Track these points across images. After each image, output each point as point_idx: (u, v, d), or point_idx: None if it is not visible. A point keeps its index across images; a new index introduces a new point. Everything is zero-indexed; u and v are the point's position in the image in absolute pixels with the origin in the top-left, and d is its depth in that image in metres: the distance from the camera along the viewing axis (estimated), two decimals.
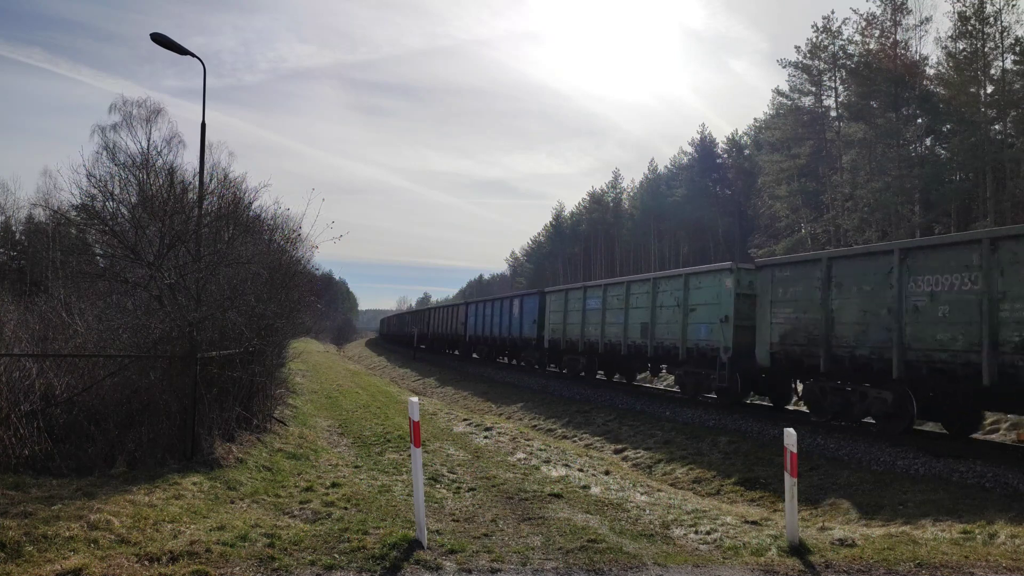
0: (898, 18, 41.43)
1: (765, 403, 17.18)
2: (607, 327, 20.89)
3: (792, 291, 13.49)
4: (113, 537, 5.50)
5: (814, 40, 46.02)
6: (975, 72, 36.65)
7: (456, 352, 43.35)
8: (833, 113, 46.62)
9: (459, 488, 8.60)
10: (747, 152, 65.22)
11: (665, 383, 24.32)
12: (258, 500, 7.35)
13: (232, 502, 7.12)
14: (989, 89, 36.64)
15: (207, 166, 13.96)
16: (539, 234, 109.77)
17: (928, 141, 40.91)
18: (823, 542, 6.49)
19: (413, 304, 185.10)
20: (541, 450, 11.76)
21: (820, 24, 45.64)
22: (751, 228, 56.88)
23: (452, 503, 7.82)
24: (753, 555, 6.10)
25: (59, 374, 8.69)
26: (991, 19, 35.98)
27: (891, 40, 41.29)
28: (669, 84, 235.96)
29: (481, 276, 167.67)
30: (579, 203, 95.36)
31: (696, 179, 67.92)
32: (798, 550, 6.18)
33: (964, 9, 36.58)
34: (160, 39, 12.95)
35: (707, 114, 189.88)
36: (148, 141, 40.98)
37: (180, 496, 6.84)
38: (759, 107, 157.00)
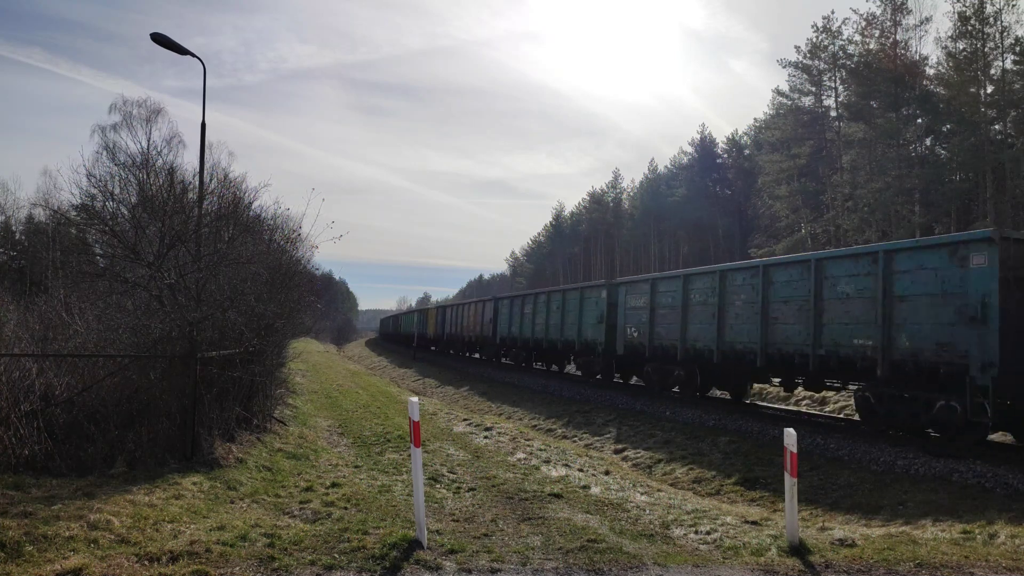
0: (898, 18, 41.49)
1: (1008, 441, 12.02)
2: (727, 329, 15.51)
3: None
4: (113, 537, 5.50)
5: (814, 40, 46.11)
6: (975, 72, 36.66)
7: (478, 356, 38.03)
8: (833, 113, 46.70)
9: (459, 488, 8.59)
10: (747, 152, 65.31)
11: (800, 403, 18.61)
12: (258, 500, 7.35)
13: (232, 502, 7.12)
14: (989, 89, 36.67)
15: (207, 166, 13.97)
16: (539, 234, 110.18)
17: (928, 141, 40.97)
18: (823, 542, 6.49)
19: (413, 304, 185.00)
20: (541, 450, 11.76)
21: (820, 24, 45.80)
22: (751, 228, 56.94)
23: (452, 503, 7.82)
24: (753, 555, 6.11)
25: (59, 374, 8.69)
26: (991, 19, 36.02)
27: (891, 40, 41.33)
28: (669, 84, 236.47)
29: (481, 276, 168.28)
30: (579, 203, 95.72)
31: (696, 179, 68.04)
32: (798, 550, 6.18)
33: (964, 9, 36.62)
34: (160, 39, 12.97)
35: (707, 114, 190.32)
36: (148, 141, 41.11)
37: (180, 496, 6.84)
38: (759, 107, 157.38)
